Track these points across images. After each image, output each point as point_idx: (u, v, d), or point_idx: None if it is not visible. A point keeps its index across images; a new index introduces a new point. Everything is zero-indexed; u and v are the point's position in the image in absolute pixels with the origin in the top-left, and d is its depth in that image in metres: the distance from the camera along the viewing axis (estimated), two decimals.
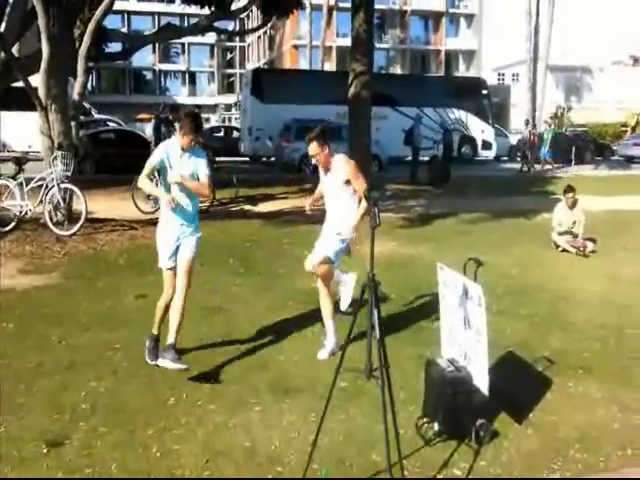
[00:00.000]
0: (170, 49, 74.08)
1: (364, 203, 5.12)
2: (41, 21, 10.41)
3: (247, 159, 28.40)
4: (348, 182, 5.38)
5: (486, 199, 16.07)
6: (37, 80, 10.83)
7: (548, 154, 26.99)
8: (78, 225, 10.16)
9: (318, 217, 5.92)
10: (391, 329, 5.89)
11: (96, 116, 31.04)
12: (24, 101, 12.00)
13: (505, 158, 32.27)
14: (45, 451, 3.89)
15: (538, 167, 26.17)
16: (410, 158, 21.64)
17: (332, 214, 5.57)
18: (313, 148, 5.35)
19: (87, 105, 29.58)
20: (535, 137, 26.78)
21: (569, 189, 10.28)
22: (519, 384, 4.98)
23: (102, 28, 12.84)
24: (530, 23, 42.48)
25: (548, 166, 26.55)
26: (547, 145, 27.05)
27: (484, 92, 31.18)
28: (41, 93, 10.71)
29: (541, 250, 10.08)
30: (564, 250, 10.00)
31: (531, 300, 7.32)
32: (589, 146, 32.15)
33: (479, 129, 30.50)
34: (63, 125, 10.83)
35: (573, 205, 10.20)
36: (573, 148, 29.25)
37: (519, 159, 27.35)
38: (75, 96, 11.60)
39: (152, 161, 5.19)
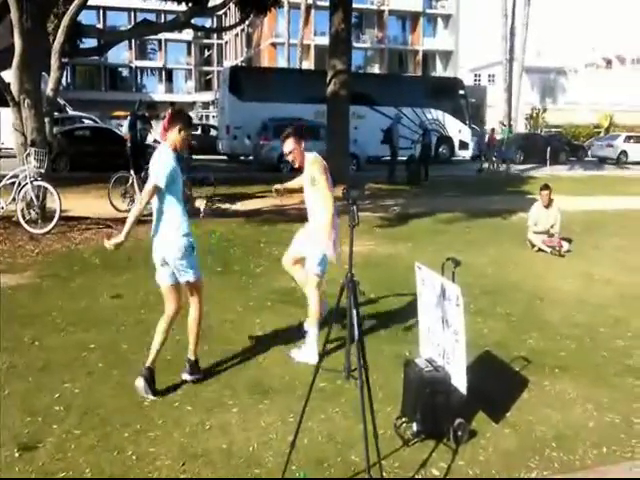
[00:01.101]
0: (146, 46, 73.45)
1: (326, 215, 5.19)
2: (14, 15, 10.23)
3: (225, 158, 28.28)
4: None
5: (463, 199, 16.19)
6: (10, 75, 10.66)
7: (505, 154, 26.91)
8: (52, 223, 10.02)
9: (295, 216, 5.90)
10: (369, 329, 5.89)
11: (71, 113, 30.68)
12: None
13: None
14: (17, 455, 3.81)
15: (502, 167, 26.14)
16: (388, 158, 21.70)
17: (310, 212, 5.53)
18: (287, 146, 5.33)
19: (62, 102, 29.22)
20: (494, 138, 26.83)
21: (545, 187, 10.37)
22: (496, 384, 4.99)
23: (76, 23, 12.67)
24: (506, 24, 42.85)
25: (504, 166, 26.44)
26: (504, 145, 27.12)
27: (461, 92, 31.40)
28: (14, 89, 10.53)
29: (517, 249, 10.16)
30: (540, 249, 10.08)
31: (507, 300, 7.37)
32: (564, 147, 32.54)
33: (456, 129, 30.70)
34: (36, 121, 10.66)
35: (549, 203, 10.28)
36: (548, 149, 29.57)
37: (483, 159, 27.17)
38: (49, 92, 11.44)
39: (166, 171, 4.56)
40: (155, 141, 16.65)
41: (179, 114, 4.82)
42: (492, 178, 22.11)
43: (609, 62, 54.67)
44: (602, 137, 36.81)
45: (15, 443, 3.92)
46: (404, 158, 21.91)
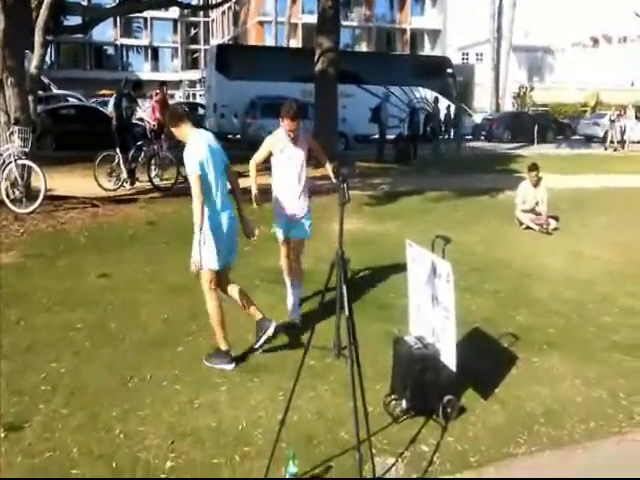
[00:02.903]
0: (132, 23, 72.49)
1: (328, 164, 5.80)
2: None
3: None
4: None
5: (451, 177, 16.16)
6: None
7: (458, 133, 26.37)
8: (37, 203, 9.90)
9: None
10: (359, 306, 5.84)
11: (55, 91, 30.28)
12: None
13: (469, 137, 32.45)
14: (3, 435, 3.78)
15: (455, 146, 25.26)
16: (377, 136, 21.59)
17: (294, 189, 5.60)
18: (295, 124, 5.36)
19: (46, 80, 28.84)
20: (451, 117, 26.23)
21: (533, 167, 10.35)
22: (485, 360, 5.00)
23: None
24: (494, 3, 42.72)
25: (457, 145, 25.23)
26: (462, 123, 26.66)
27: (449, 71, 31.22)
28: None
29: (505, 227, 10.16)
30: (527, 227, 10.09)
31: (496, 277, 7.38)
32: (551, 125, 32.53)
33: (444, 108, 30.54)
34: (20, 100, 10.49)
35: (537, 183, 10.28)
36: (535, 127, 29.56)
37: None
38: (32, 70, 11.26)
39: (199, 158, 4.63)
40: (141, 120, 16.46)
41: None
42: (455, 158, 21.83)
43: (596, 41, 54.53)
44: (589, 116, 36.82)
45: (1, 423, 3.89)
46: (392, 137, 21.82)
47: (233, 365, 4.80)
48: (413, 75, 29.36)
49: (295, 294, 5.83)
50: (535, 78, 51.72)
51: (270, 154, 5.62)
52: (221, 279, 4.91)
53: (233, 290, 4.97)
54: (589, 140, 30.89)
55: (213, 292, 4.85)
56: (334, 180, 5.71)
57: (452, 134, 25.74)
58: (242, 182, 5.22)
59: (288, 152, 5.57)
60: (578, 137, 32.70)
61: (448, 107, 25.62)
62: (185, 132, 4.80)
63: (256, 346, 4.86)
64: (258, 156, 5.70)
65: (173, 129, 4.86)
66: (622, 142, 27.39)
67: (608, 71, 46.48)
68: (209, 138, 4.84)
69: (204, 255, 4.63)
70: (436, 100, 24.40)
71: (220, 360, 4.81)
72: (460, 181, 15.26)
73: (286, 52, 33.01)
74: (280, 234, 5.74)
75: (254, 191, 5.61)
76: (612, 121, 27.82)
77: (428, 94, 29.82)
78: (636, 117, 29.90)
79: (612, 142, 27.32)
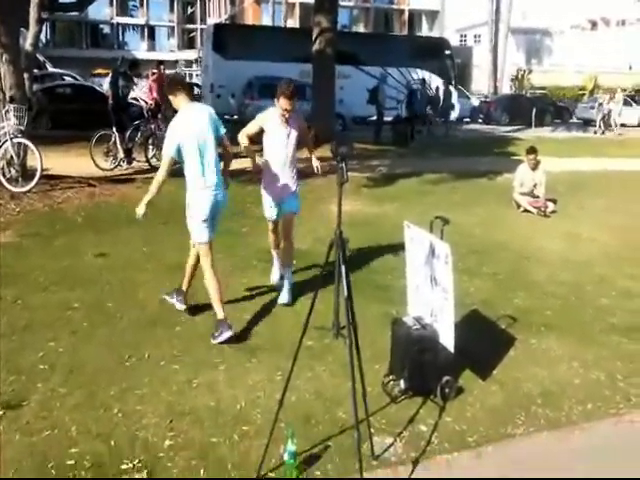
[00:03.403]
0: (128, 2, 71.77)
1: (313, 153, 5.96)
2: None
3: None
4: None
5: (449, 159, 16.12)
6: None
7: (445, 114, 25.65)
8: (33, 182, 9.84)
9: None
10: (357, 287, 5.81)
11: (51, 70, 29.98)
12: None
13: (467, 120, 32.34)
14: (1, 413, 3.77)
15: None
16: (374, 118, 21.47)
17: (284, 168, 5.66)
18: (291, 103, 5.38)
19: (41, 58, 28.55)
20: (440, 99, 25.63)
21: (531, 150, 10.32)
22: (483, 342, 5.01)
23: None
24: None
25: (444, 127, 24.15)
26: (450, 106, 26.12)
27: (447, 52, 30.99)
28: None
29: (503, 210, 10.15)
30: (525, 210, 10.08)
31: (494, 259, 7.38)
32: (549, 108, 32.41)
33: (442, 90, 30.37)
34: (15, 77, 10.38)
35: (535, 166, 10.26)
36: (533, 110, 29.45)
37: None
38: (28, 47, 11.15)
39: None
40: (135, 99, 16.33)
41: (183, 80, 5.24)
42: (452, 141, 21.70)
43: (594, 24, 54.24)
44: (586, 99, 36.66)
45: None
46: (390, 118, 21.69)
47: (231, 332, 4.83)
48: (411, 56, 29.14)
49: (287, 275, 5.84)
50: (533, 61, 51.47)
51: (261, 131, 5.65)
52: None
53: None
54: (587, 124, 30.74)
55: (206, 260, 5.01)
56: (315, 162, 5.89)
57: (440, 117, 25.43)
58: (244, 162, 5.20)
59: (280, 131, 5.58)
60: (576, 120, 32.60)
61: (437, 89, 25.42)
62: (178, 103, 4.87)
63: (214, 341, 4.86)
64: (248, 129, 5.73)
65: (170, 96, 4.95)
66: (608, 126, 27.23)
67: (606, 54, 46.29)
68: (202, 112, 4.93)
69: (192, 229, 4.89)
70: (423, 82, 24.20)
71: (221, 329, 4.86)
72: (458, 163, 15.22)
73: (284, 32, 32.73)
74: (270, 212, 5.80)
75: (255, 160, 5.73)
76: (600, 104, 27.67)
77: (426, 75, 29.68)
78: (625, 102, 29.65)
79: (600, 126, 27.18)
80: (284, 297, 5.71)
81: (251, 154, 5.73)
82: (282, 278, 5.92)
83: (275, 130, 5.58)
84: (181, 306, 5.35)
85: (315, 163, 5.96)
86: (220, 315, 4.88)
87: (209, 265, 4.98)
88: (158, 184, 4.79)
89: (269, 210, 5.81)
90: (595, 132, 27.00)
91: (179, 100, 4.88)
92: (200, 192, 4.88)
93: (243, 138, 5.67)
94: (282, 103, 5.37)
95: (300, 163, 5.95)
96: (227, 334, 4.77)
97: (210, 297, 4.97)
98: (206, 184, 4.86)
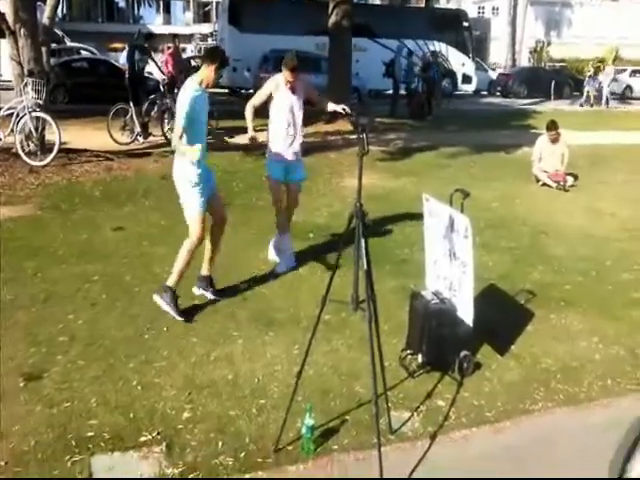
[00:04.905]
0: None
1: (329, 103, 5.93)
2: None
3: (226, 91, 27.74)
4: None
5: (467, 133, 15.94)
6: (4, 5, 10.31)
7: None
8: (52, 155, 9.85)
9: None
10: (374, 261, 5.79)
11: (69, 44, 29.93)
12: None
13: (485, 92, 31.97)
14: (22, 385, 3.81)
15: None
16: (391, 91, 21.24)
17: (290, 134, 5.79)
18: (295, 75, 5.58)
19: (60, 33, 28.47)
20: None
21: (552, 126, 10.13)
22: (502, 316, 4.98)
23: None
24: None
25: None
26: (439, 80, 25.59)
27: (465, 24, 30.52)
28: (9, 18, 10.18)
29: (522, 184, 10.04)
30: (545, 184, 9.97)
31: (512, 233, 7.31)
32: (567, 81, 31.92)
33: (459, 62, 29.98)
34: (33, 51, 10.35)
35: (555, 140, 10.11)
36: (552, 83, 29.02)
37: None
38: (45, 21, 11.09)
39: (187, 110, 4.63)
40: (150, 73, 16.23)
41: (219, 52, 4.90)
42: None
43: None
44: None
45: (20, 373, 3.92)
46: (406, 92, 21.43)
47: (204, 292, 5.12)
48: (428, 29, 28.72)
49: (286, 241, 6.05)
50: (552, 33, 50.50)
51: (268, 99, 5.78)
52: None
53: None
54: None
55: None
56: (337, 107, 5.78)
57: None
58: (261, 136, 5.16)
59: (286, 96, 5.72)
60: (596, 93, 32.08)
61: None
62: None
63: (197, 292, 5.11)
64: (256, 99, 5.83)
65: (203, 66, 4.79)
66: (598, 99, 26.69)
67: (628, 26, 45.34)
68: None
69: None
70: (434, 54, 23.64)
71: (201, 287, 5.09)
72: (476, 137, 15.04)
73: (299, 5, 32.24)
74: (276, 176, 5.88)
75: (251, 132, 5.73)
76: (590, 77, 27.05)
77: (443, 48, 29.29)
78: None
79: (589, 98, 26.63)
80: (289, 262, 5.95)
81: (250, 124, 5.79)
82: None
83: (282, 96, 5.72)
84: (211, 295, 5.21)
85: (336, 108, 5.82)
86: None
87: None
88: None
89: (275, 175, 5.91)
90: (581, 105, 26.41)
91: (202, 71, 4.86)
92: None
93: (250, 111, 5.78)
94: (286, 75, 5.59)
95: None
96: (167, 304, 4.80)
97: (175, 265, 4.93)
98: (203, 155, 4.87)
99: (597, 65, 27.76)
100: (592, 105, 26.15)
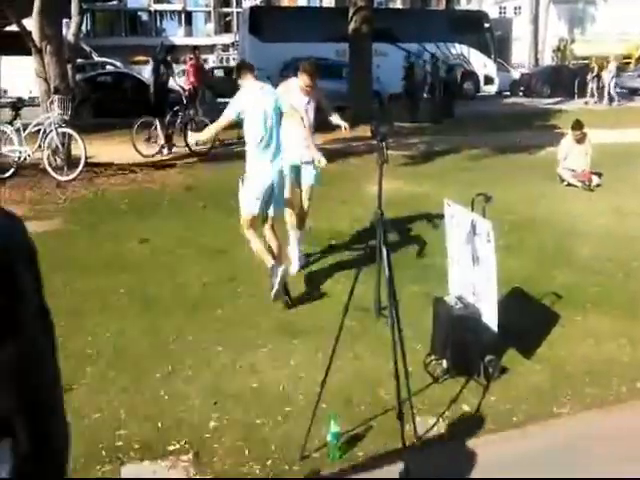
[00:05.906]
0: None
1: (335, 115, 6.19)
2: None
3: None
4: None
5: (489, 135, 15.83)
6: (30, 23, 10.53)
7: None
8: (78, 170, 10.04)
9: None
10: (396, 267, 5.79)
11: (96, 59, 30.41)
12: (23, 46, 11.64)
13: (507, 93, 31.73)
14: None
15: None
16: (411, 95, 21.16)
17: (303, 134, 5.78)
18: (313, 80, 5.77)
19: (87, 48, 28.94)
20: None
21: (577, 126, 10.02)
22: (527, 320, 4.94)
23: None
24: None
25: None
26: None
27: (486, 26, 30.36)
28: (35, 35, 10.42)
29: (546, 185, 9.95)
30: (569, 184, 9.87)
31: (536, 235, 7.26)
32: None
33: (481, 64, 29.84)
34: (59, 67, 10.57)
35: (581, 140, 10.01)
36: (576, 81, 28.70)
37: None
38: (70, 37, 11.32)
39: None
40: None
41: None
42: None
43: None
44: (633, 68, 35.54)
45: None
46: (426, 95, 21.38)
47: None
48: (449, 31, 28.66)
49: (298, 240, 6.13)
50: (576, 30, 50.00)
51: None
52: (257, 224, 5.34)
53: (266, 236, 5.41)
54: (633, 93, 29.87)
55: (247, 232, 5.31)
56: (340, 122, 6.02)
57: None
58: None
59: (300, 99, 5.84)
60: (620, 90, 31.66)
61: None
62: (242, 83, 5.36)
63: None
64: None
65: (239, 79, 5.38)
66: (601, 96, 26.27)
67: None
68: (263, 89, 5.33)
69: (240, 197, 5.22)
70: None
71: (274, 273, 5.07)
72: (498, 138, 14.94)
73: (319, 12, 32.54)
74: (290, 179, 5.93)
75: None
76: (596, 75, 26.61)
77: (464, 50, 29.18)
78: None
79: (593, 95, 26.28)
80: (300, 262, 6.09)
81: None
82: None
83: (296, 98, 5.80)
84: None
85: (339, 122, 6.05)
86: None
87: (252, 236, 5.27)
88: (214, 129, 5.57)
89: (289, 177, 5.94)
90: (586, 102, 26.05)
91: (246, 80, 5.34)
92: (257, 164, 5.19)
93: None
94: (304, 79, 5.73)
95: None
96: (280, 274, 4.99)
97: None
98: (264, 156, 5.16)
99: (600, 62, 27.24)
100: (596, 102, 25.80)
